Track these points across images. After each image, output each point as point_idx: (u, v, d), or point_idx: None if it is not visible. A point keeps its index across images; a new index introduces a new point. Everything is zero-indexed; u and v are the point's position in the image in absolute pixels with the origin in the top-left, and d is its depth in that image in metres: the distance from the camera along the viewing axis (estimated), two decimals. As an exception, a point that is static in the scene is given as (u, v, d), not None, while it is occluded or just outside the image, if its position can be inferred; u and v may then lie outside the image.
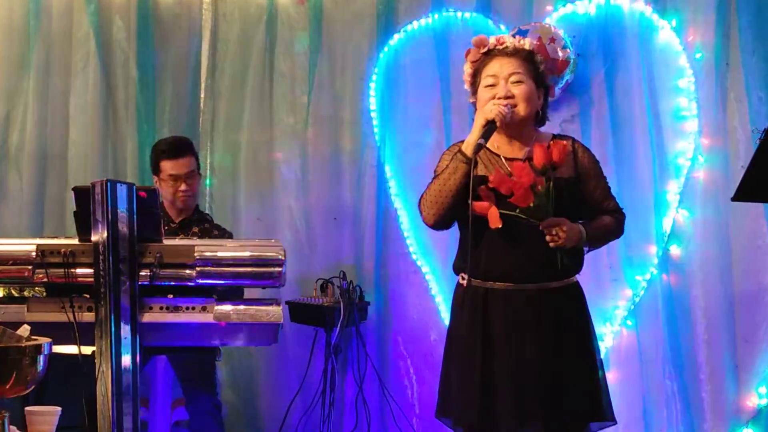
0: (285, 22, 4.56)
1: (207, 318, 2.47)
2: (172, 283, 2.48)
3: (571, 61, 4.22)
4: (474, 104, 2.94)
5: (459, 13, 4.43)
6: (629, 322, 4.24)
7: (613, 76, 4.30)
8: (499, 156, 2.84)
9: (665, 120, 4.25)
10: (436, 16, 4.45)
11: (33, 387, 2.20)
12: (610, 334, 4.24)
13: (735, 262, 4.15)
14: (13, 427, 2.31)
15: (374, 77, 4.49)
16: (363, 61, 4.51)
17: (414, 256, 4.42)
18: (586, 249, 2.89)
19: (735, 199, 3.00)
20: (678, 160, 4.24)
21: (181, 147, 3.97)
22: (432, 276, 4.38)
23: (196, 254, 2.47)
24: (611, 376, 4.20)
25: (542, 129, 2.99)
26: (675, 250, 4.23)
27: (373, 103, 4.49)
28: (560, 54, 4.19)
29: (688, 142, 4.23)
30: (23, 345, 2.15)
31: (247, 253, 2.51)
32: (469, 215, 2.68)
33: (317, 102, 4.53)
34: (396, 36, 4.49)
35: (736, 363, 4.12)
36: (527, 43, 2.90)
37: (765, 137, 2.76)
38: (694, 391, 4.14)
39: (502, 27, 4.35)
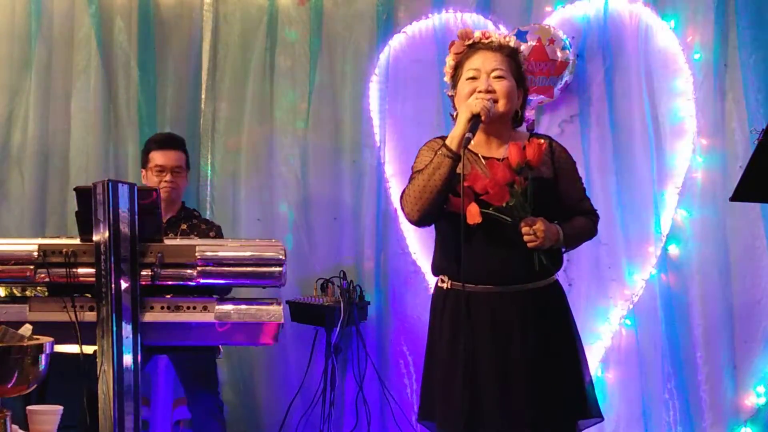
0: (285, 23, 4.58)
1: (208, 317, 2.48)
2: (173, 283, 2.49)
3: (571, 61, 4.24)
4: (452, 98, 2.91)
5: (459, 14, 4.44)
6: (628, 322, 4.25)
7: (613, 76, 4.32)
8: (477, 155, 2.82)
9: (664, 120, 4.27)
10: (436, 16, 4.47)
11: (35, 386, 2.21)
12: (609, 333, 4.25)
13: (733, 261, 4.17)
14: (15, 426, 2.33)
15: (374, 77, 4.50)
16: (363, 61, 4.52)
17: (414, 256, 4.43)
18: (563, 249, 2.88)
19: (733, 199, 3.01)
20: (676, 160, 4.26)
21: (171, 140, 4.01)
22: (432, 276, 4.39)
23: (197, 254, 2.47)
24: (610, 376, 4.23)
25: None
26: (673, 250, 4.24)
27: (373, 103, 4.51)
28: (559, 55, 4.21)
29: (687, 143, 4.25)
30: (25, 344, 2.16)
31: (247, 253, 2.51)
32: (461, 213, 2.65)
33: (317, 102, 4.55)
34: (396, 36, 4.50)
35: (735, 362, 4.14)
36: (512, 41, 2.87)
37: (763, 137, 2.76)
38: (692, 390, 4.15)
39: (502, 28, 4.37)
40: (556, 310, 2.84)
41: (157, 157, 3.92)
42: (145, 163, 3.99)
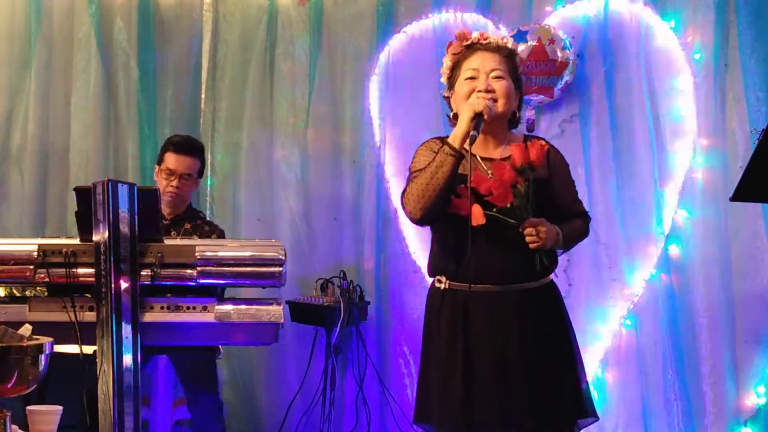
0: (285, 23, 4.57)
1: (208, 318, 2.48)
2: (173, 283, 2.49)
3: (571, 61, 4.23)
4: (447, 99, 2.92)
5: (459, 14, 4.44)
6: (628, 322, 4.25)
7: (613, 76, 4.31)
8: (475, 155, 2.79)
9: (664, 120, 4.27)
10: (436, 16, 4.46)
11: (34, 386, 2.21)
12: (609, 333, 4.25)
13: (734, 261, 4.17)
14: (14, 427, 2.32)
15: (374, 77, 4.50)
16: (363, 61, 4.52)
17: (414, 256, 4.43)
18: (559, 251, 2.88)
19: (734, 199, 3.01)
20: (677, 160, 4.25)
21: (188, 146, 3.97)
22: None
23: (197, 254, 2.47)
24: (610, 376, 4.23)
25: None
26: (674, 250, 4.24)
27: (373, 103, 4.50)
28: (559, 55, 4.20)
29: (687, 143, 4.25)
30: (25, 344, 2.16)
31: (247, 253, 2.51)
32: (467, 214, 2.65)
33: (317, 102, 4.54)
34: (396, 36, 4.50)
35: (735, 362, 4.13)
36: (509, 42, 2.90)
37: (763, 137, 2.76)
38: (693, 390, 4.15)
39: (502, 28, 4.37)
40: (553, 310, 2.84)
41: (170, 160, 3.90)
42: (160, 161, 3.97)
